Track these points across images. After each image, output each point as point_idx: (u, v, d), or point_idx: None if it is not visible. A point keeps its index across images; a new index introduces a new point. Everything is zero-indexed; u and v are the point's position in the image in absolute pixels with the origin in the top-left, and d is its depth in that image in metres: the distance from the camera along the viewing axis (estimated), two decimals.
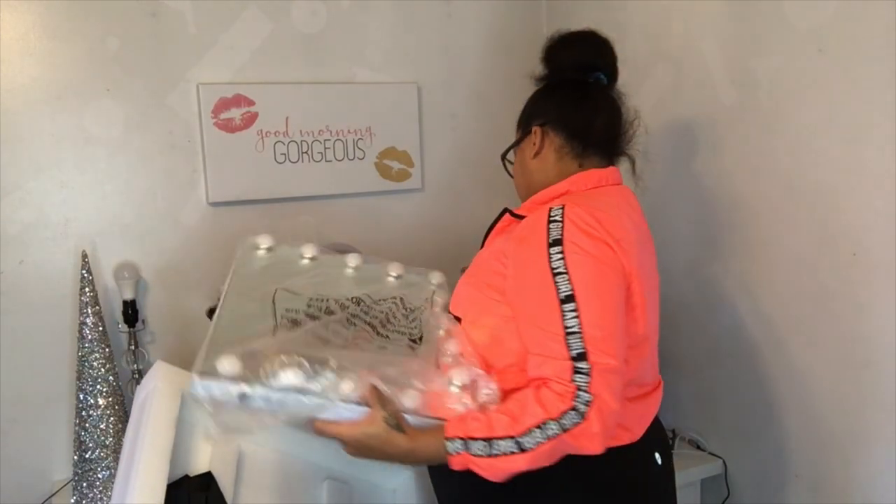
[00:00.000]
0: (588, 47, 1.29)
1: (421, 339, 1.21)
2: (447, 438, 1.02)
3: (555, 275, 1.03)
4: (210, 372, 1.00)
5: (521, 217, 1.19)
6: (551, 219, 1.07)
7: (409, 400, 1.05)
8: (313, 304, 1.20)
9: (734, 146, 1.58)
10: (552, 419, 0.99)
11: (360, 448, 1.05)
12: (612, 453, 1.07)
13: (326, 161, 1.87)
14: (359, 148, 1.91)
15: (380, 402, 1.03)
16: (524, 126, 1.30)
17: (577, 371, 1.00)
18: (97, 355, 1.50)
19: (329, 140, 1.87)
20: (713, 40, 1.60)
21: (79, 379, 1.50)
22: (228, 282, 1.21)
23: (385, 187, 1.96)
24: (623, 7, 1.84)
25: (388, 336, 1.19)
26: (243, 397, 1.00)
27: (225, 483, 1.17)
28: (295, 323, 1.14)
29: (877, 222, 1.32)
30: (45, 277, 1.64)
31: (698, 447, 1.76)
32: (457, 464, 1.03)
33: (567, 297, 1.02)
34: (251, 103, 1.77)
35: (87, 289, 1.53)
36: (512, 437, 1.00)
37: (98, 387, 1.49)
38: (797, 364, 1.51)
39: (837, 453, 1.45)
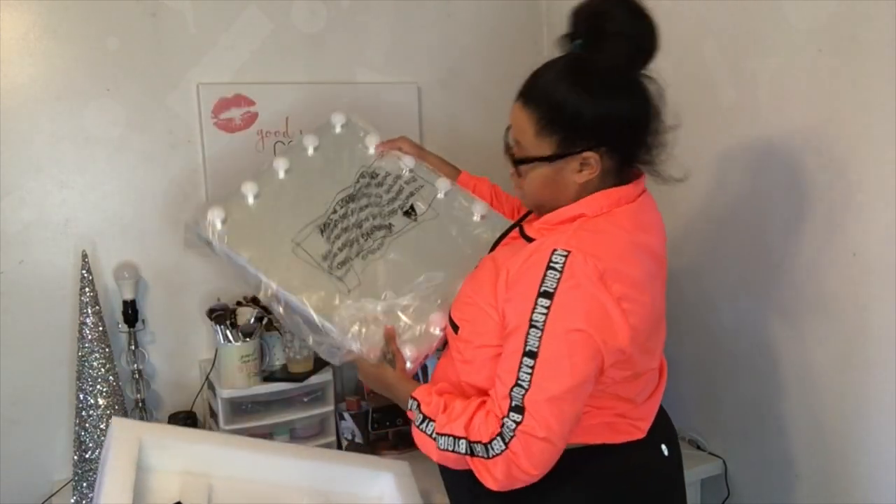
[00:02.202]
0: (650, 24, 1.04)
1: (413, 209, 1.45)
2: (411, 396, 1.15)
3: (531, 326, 1.00)
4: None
5: (530, 239, 1.11)
6: (551, 264, 1.00)
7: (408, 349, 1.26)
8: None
9: (734, 146, 1.58)
10: (466, 439, 1.04)
11: (366, 375, 1.27)
12: (621, 447, 1.13)
13: None
14: None
15: (386, 338, 1.25)
16: (569, 141, 1.06)
17: (507, 420, 1.01)
18: (97, 355, 1.50)
19: None
20: (713, 40, 1.60)
21: (79, 379, 1.50)
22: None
23: None
24: None
25: (391, 224, 1.42)
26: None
27: None
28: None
29: (877, 222, 1.32)
30: (45, 277, 1.64)
31: (698, 447, 1.76)
32: (409, 415, 1.16)
33: (530, 352, 1.00)
34: (251, 103, 1.77)
35: (87, 289, 1.53)
36: (435, 429, 1.09)
37: (98, 387, 1.49)
38: (797, 364, 1.51)
39: (838, 453, 1.45)
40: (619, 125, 1.06)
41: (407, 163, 1.50)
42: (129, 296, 1.67)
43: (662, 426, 1.24)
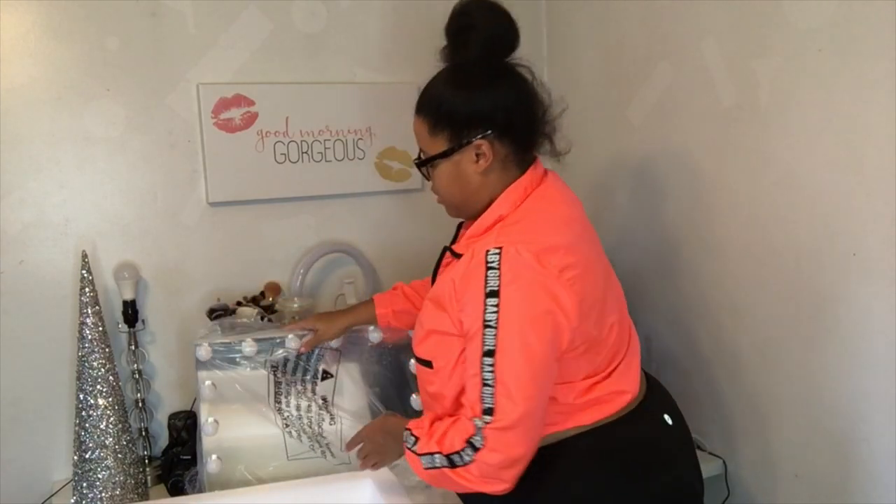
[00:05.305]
0: (504, 16, 1.16)
1: (326, 373, 1.58)
2: (406, 427, 1.20)
3: (485, 327, 1.06)
4: None
5: (459, 256, 1.16)
6: (489, 265, 1.06)
7: None
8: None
9: (734, 146, 1.58)
10: (441, 453, 1.10)
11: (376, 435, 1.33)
12: (614, 423, 1.17)
13: (326, 161, 1.87)
14: (359, 148, 1.90)
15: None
16: (458, 133, 1.15)
17: (481, 420, 1.07)
18: (97, 355, 1.49)
19: (329, 140, 1.87)
20: (713, 40, 1.60)
21: (79, 379, 1.50)
22: None
23: (385, 187, 1.96)
24: (623, 7, 1.84)
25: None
26: None
27: None
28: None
29: (877, 222, 1.32)
30: (45, 277, 1.64)
31: (698, 447, 1.75)
32: (410, 459, 1.19)
33: (489, 351, 1.05)
34: (251, 103, 1.77)
35: (87, 289, 1.53)
36: (417, 448, 1.14)
37: (98, 387, 1.49)
38: (797, 364, 1.51)
39: (837, 453, 1.45)
40: (497, 110, 1.15)
41: (291, 345, 1.53)
42: (129, 296, 1.67)
43: (661, 397, 1.29)
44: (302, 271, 1.85)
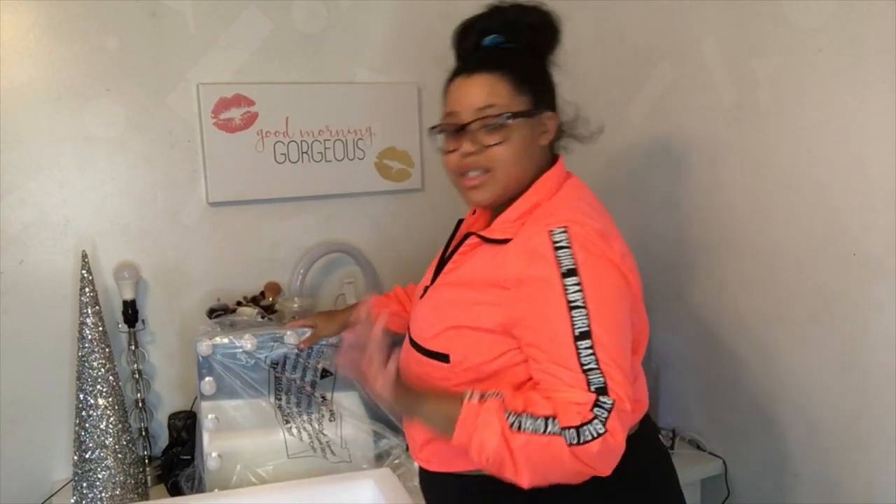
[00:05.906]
0: (548, 14, 1.18)
1: (326, 371, 1.60)
2: (485, 394, 1.01)
3: (571, 308, 0.99)
4: None
5: (493, 240, 1.10)
6: (557, 244, 1.01)
7: None
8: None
9: (734, 146, 1.58)
10: (555, 418, 0.96)
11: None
12: (631, 440, 1.05)
13: (326, 161, 1.87)
14: (359, 148, 1.90)
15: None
16: (538, 98, 1.12)
17: (598, 405, 0.96)
18: (97, 355, 1.49)
19: (329, 140, 1.87)
20: (713, 40, 1.60)
21: (79, 379, 1.50)
22: None
23: (385, 187, 1.96)
24: (623, 7, 1.84)
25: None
26: None
27: None
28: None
29: (877, 222, 1.32)
30: (45, 277, 1.64)
31: (698, 447, 1.76)
32: (468, 414, 0.99)
33: (583, 333, 0.98)
34: (251, 103, 1.77)
35: (87, 289, 1.53)
36: (516, 413, 0.97)
37: (98, 387, 1.49)
38: (797, 364, 1.51)
39: (837, 453, 1.45)
40: (554, 94, 1.18)
41: (290, 340, 1.55)
42: (129, 296, 1.67)
43: (652, 423, 1.29)
44: (302, 271, 1.85)
